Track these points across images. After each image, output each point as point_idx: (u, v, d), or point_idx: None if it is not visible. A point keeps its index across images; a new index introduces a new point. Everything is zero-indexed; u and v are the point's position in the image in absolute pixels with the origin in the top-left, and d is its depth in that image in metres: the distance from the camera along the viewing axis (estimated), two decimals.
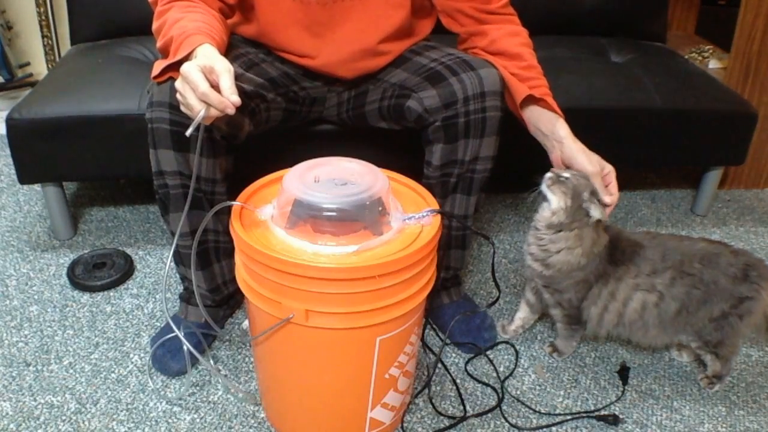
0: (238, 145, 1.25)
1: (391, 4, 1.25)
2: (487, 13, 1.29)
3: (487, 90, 1.20)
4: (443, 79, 1.22)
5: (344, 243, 0.99)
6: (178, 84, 1.00)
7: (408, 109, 1.27)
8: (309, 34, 1.26)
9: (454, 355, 1.39)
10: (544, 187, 1.21)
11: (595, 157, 1.22)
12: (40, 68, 2.50)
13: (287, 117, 1.37)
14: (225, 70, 0.99)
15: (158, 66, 1.10)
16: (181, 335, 1.11)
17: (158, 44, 1.12)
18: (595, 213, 1.18)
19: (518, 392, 1.31)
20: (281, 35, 1.27)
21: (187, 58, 1.03)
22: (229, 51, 1.27)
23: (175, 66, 1.05)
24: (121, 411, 1.23)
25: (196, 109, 0.98)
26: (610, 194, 1.21)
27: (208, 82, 0.97)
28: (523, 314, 1.44)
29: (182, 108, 1.02)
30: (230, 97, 0.98)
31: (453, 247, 1.38)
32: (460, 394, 1.29)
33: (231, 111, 0.99)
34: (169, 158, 1.15)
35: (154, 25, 1.14)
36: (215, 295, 1.36)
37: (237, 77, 1.22)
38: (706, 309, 1.23)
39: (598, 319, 1.28)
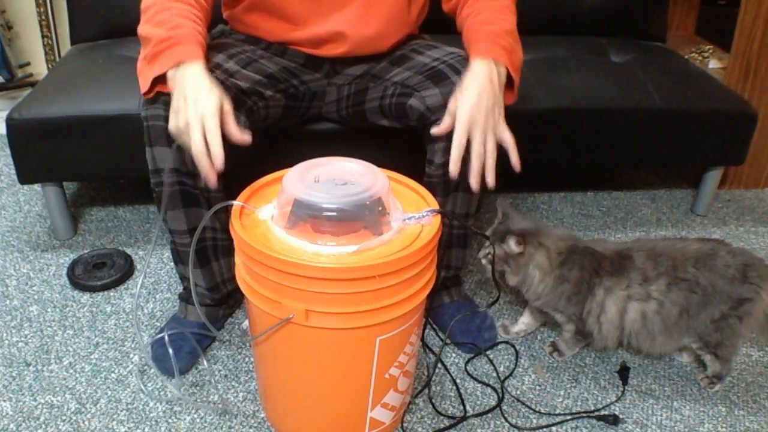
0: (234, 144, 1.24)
1: None
2: None
3: None
4: (445, 78, 1.22)
5: (344, 243, 0.99)
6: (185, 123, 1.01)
7: (410, 108, 1.27)
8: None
9: (454, 355, 1.39)
10: (484, 262, 1.32)
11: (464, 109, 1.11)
12: (40, 68, 2.50)
13: (286, 114, 1.37)
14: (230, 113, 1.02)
15: (145, 74, 1.10)
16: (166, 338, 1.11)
17: (142, 29, 1.12)
18: (514, 248, 1.26)
19: (518, 392, 1.31)
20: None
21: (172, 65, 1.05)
22: (225, 49, 1.27)
23: (161, 77, 1.07)
24: (121, 411, 1.23)
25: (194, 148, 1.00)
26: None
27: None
28: (527, 320, 1.45)
29: (176, 136, 1.04)
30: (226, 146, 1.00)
31: (454, 247, 1.38)
32: (460, 394, 1.29)
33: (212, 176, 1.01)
34: (165, 155, 1.16)
35: (144, 3, 1.15)
36: (214, 294, 1.36)
37: (233, 74, 1.23)
38: (706, 312, 1.23)
39: (597, 329, 1.28)
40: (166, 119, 1.12)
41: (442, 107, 1.22)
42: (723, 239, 1.29)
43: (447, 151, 1.25)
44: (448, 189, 1.28)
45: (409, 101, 1.27)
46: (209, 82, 1.03)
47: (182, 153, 1.16)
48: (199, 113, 0.99)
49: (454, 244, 1.38)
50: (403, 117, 1.32)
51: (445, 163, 1.26)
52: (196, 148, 0.99)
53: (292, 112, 1.39)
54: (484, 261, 1.31)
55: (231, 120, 1.02)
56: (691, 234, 1.86)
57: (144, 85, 1.11)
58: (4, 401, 1.24)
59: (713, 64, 2.26)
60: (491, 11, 1.22)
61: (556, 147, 1.76)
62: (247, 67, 1.26)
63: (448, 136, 1.23)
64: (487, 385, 1.32)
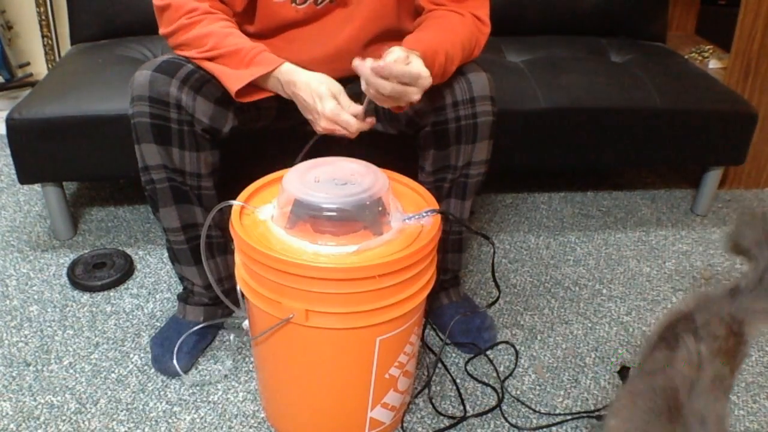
0: (224, 140, 1.24)
1: (376, 13, 1.24)
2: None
3: (476, 95, 1.18)
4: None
5: (344, 243, 0.99)
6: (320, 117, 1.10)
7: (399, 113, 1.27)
8: (291, 31, 1.25)
9: (454, 355, 1.39)
10: None
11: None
12: (40, 68, 2.50)
13: (280, 115, 1.37)
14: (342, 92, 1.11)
15: (236, 80, 1.10)
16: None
17: (206, 53, 1.12)
18: None
19: (518, 392, 1.31)
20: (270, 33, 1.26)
21: (269, 73, 1.10)
22: None
23: (256, 82, 1.11)
24: (121, 411, 1.23)
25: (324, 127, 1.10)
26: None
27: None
28: None
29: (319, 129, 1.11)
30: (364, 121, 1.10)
31: (450, 251, 1.38)
32: (460, 394, 1.29)
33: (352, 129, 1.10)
34: (152, 152, 1.16)
35: (185, 36, 1.13)
36: (210, 292, 1.35)
37: None
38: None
39: None
40: (151, 116, 1.12)
41: (429, 112, 1.21)
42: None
43: (437, 158, 1.24)
44: (440, 195, 1.27)
45: None
46: (310, 74, 1.11)
47: (168, 149, 1.16)
48: (317, 97, 1.09)
49: (451, 248, 1.37)
50: (393, 121, 1.31)
51: (436, 171, 1.25)
52: (332, 116, 1.08)
53: (286, 114, 1.38)
54: None
55: (344, 99, 1.10)
56: (691, 234, 1.86)
57: (237, 83, 1.10)
58: (4, 401, 1.24)
59: (713, 64, 2.26)
60: (450, 23, 1.20)
61: (556, 147, 1.76)
62: None
63: (438, 144, 1.22)
64: (487, 385, 1.32)
